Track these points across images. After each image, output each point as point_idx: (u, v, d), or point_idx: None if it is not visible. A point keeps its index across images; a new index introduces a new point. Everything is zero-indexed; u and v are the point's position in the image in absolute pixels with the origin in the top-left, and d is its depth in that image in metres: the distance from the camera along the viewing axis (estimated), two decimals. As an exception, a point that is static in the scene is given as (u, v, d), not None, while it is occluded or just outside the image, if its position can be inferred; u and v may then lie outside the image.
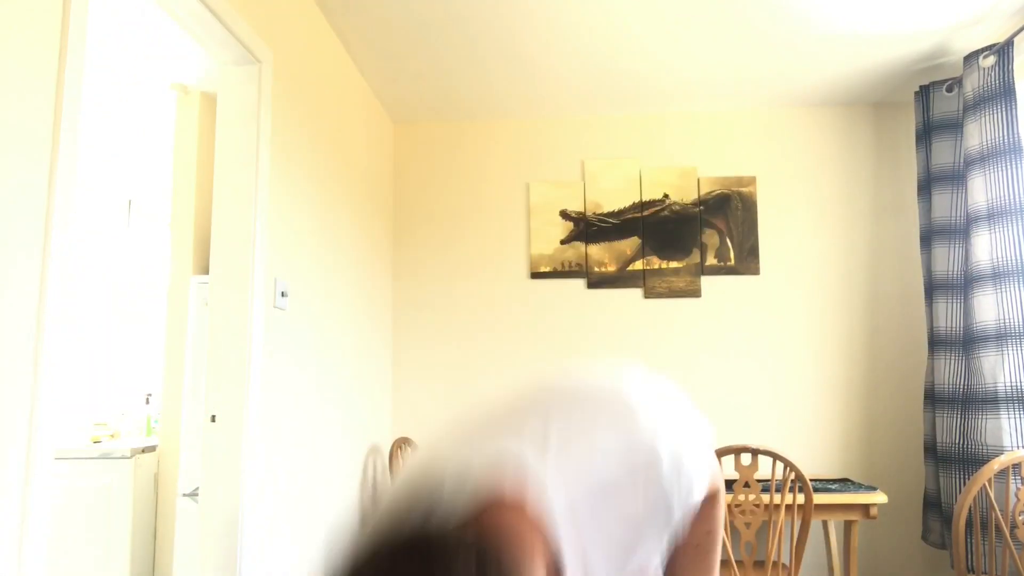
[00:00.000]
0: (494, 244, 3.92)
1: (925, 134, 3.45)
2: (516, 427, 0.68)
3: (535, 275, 3.87)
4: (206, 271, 3.43)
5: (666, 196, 3.85)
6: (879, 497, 2.92)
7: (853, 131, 3.83)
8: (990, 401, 2.94)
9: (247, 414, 2.24)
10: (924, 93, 3.46)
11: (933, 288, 3.35)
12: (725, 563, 2.76)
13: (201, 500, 2.26)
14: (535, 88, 3.62)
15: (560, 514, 0.63)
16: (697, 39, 3.15)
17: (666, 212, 3.84)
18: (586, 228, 3.87)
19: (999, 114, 2.97)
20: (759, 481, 2.68)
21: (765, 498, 2.63)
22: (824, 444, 3.67)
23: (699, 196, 3.84)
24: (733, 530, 2.77)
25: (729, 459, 3.58)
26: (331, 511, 2.98)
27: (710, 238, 3.81)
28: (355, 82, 3.40)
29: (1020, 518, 2.51)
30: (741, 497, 2.66)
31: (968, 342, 3.12)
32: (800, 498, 2.63)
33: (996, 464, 2.47)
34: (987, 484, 2.43)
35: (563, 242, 3.87)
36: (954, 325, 3.24)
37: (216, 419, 2.24)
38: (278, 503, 2.48)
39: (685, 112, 3.91)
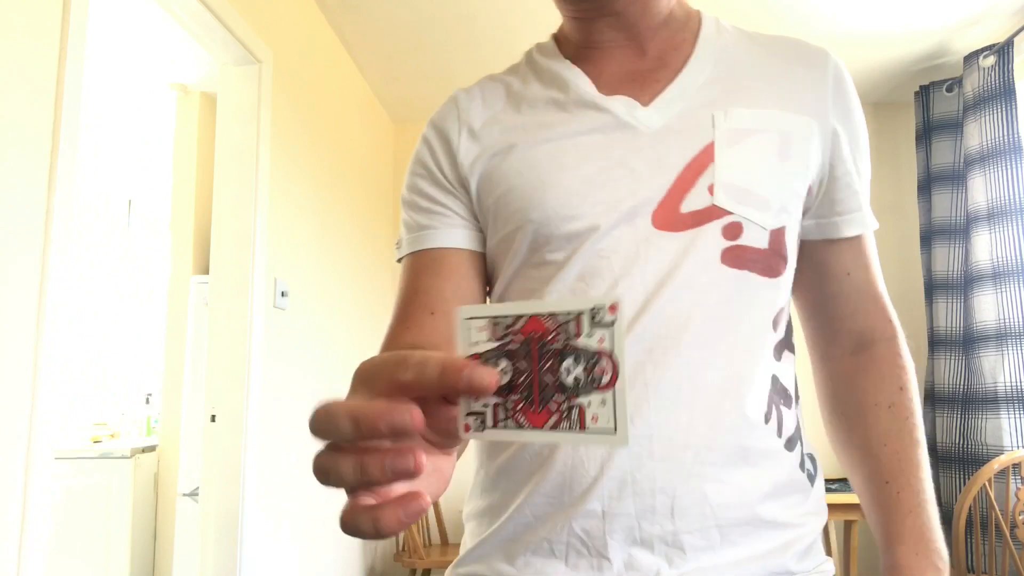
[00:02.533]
0: (494, 244, 3.91)
1: (925, 134, 3.44)
2: None
3: (535, 275, 3.86)
4: (206, 271, 3.42)
5: (666, 196, 3.84)
6: (879, 497, 2.92)
7: (853, 131, 3.83)
8: (990, 401, 2.94)
9: (247, 414, 2.23)
10: (924, 93, 3.45)
11: (933, 288, 3.35)
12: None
13: (201, 500, 2.27)
14: (535, 88, 3.61)
15: None
16: (697, 39, 3.15)
17: (666, 212, 3.83)
18: (586, 228, 3.86)
19: (999, 114, 2.96)
20: (759, 481, 2.67)
21: (765, 498, 2.62)
22: (824, 444, 3.66)
23: (699, 196, 3.83)
24: (733, 530, 2.77)
25: (729, 459, 3.57)
26: (331, 511, 2.98)
27: (710, 238, 3.81)
28: (355, 82, 3.40)
29: (1020, 518, 2.51)
30: (741, 497, 2.65)
31: (968, 342, 3.12)
32: (800, 498, 2.62)
33: (996, 464, 2.47)
34: (987, 484, 2.43)
35: (563, 242, 3.86)
36: (954, 325, 3.23)
37: (216, 419, 2.24)
38: (278, 503, 2.48)
39: (685, 112, 3.90)
